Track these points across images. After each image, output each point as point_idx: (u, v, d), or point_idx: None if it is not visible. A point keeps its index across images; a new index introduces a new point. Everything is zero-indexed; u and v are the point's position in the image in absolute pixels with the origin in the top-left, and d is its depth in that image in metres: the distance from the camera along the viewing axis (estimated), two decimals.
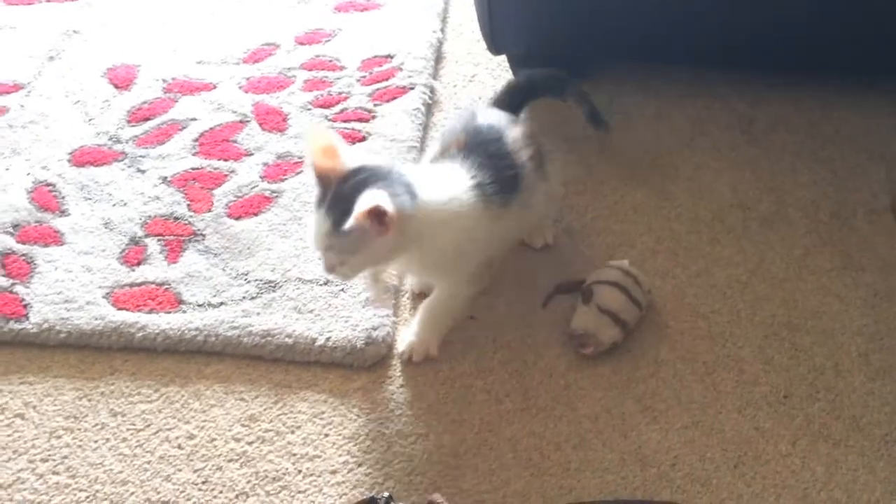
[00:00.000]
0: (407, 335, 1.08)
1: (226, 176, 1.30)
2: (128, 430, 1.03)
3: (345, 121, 1.37)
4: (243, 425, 1.03)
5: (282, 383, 1.07)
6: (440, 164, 1.03)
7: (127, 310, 1.13)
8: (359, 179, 0.94)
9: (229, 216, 1.25)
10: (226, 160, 1.32)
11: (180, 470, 0.99)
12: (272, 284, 1.15)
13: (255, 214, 1.25)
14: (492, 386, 1.06)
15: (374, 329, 1.10)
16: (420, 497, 0.95)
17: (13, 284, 1.16)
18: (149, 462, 1.00)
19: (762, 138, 1.35)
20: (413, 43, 1.49)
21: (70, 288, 1.16)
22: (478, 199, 1.00)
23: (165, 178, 1.30)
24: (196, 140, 1.35)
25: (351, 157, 0.96)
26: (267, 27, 1.55)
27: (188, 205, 1.26)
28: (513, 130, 1.06)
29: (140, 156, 1.34)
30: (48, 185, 1.30)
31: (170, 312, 1.13)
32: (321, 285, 1.15)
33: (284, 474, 0.99)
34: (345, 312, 1.12)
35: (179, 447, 1.01)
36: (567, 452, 1.00)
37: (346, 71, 1.46)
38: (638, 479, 0.97)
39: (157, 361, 1.09)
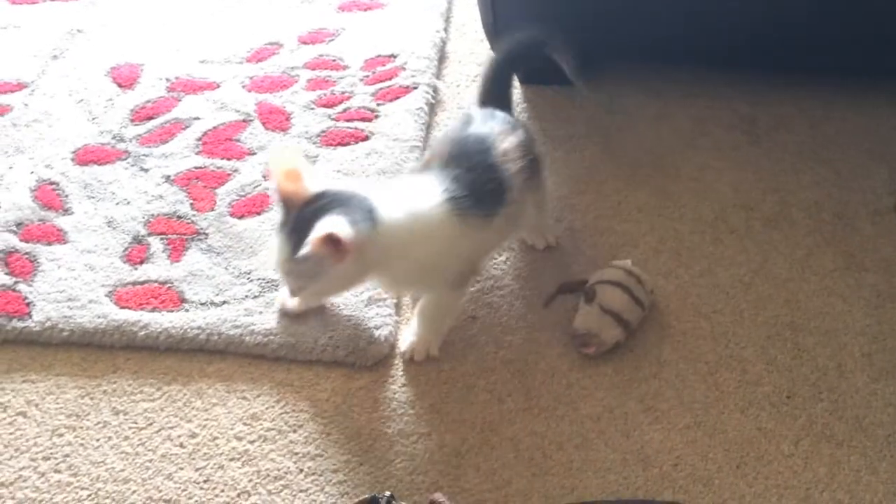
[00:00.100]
0: (408, 335, 1.08)
1: (229, 175, 1.30)
2: (130, 428, 1.03)
3: (348, 120, 1.37)
4: (245, 424, 1.03)
5: (284, 382, 1.07)
6: (416, 178, 1.02)
7: (129, 308, 1.13)
8: (319, 205, 0.93)
9: (232, 215, 1.25)
10: (229, 159, 1.33)
11: (182, 468, 0.99)
12: (274, 283, 1.15)
13: (258, 213, 1.25)
14: (494, 385, 1.06)
15: (377, 328, 1.10)
16: (422, 496, 0.95)
17: (16, 283, 1.17)
18: (151, 460, 1.00)
19: (764, 139, 1.35)
20: (416, 42, 1.49)
21: (73, 286, 1.16)
22: (449, 216, 0.98)
23: (168, 176, 1.30)
24: (199, 139, 1.36)
25: (315, 181, 0.96)
26: (270, 26, 1.55)
27: (191, 203, 1.26)
28: (504, 142, 1.04)
29: (143, 155, 1.34)
30: (51, 183, 1.30)
31: (172, 311, 1.13)
32: None
33: (286, 473, 0.99)
34: (347, 311, 1.12)
35: (181, 446, 1.01)
36: (569, 452, 1.00)
37: (349, 70, 1.46)
38: (640, 479, 0.97)
39: (159, 360, 1.09)
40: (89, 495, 0.98)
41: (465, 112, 1.12)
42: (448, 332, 1.10)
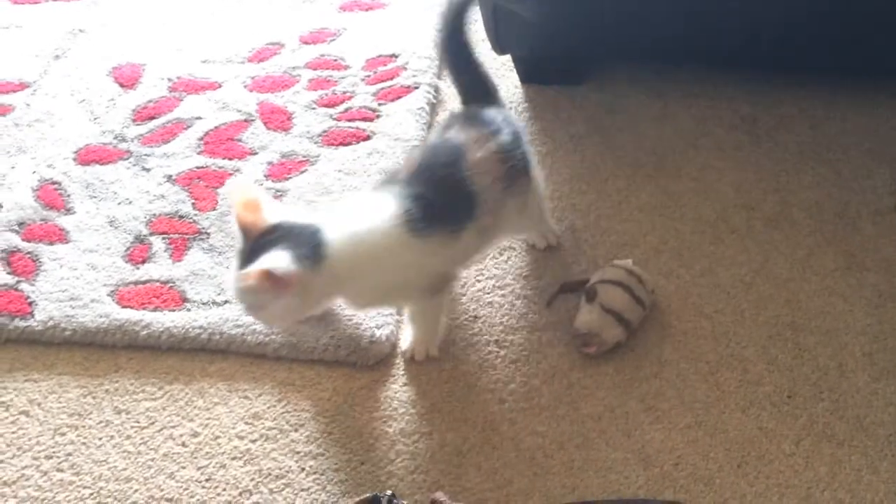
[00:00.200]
0: (409, 334, 1.09)
1: (230, 174, 1.30)
2: (132, 427, 1.03)
3: (349, 120, 1.38)
4: (247, 423, 1.03)
5: (285, 381, 1.07)
6: (372, 200, 0.99)
7: (131, 308, 1.13)
8: (269, 239, 0.95)
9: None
10: (230, 159, 1.33)
11: (184, 467, 1.00)
12: None
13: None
14: (495, 385, 1.06)
15: (378, 328, 1.10)
16: (423, 495, 0.95)
17: (18, 282, 1.17)
18: (153, 459, 1.00)
19: (766, 139, 1.35)
20: (418, 42, 1.49)
21: (75, 286, 1.16)
22: (404, 237, 0.96)
23: (170, 176, 1.31)
24: (201, 139, 1.36)
25: (273, 213, 0.97)
26: (271, 26, 1.56)
27: (193, 203, 1.27)
28: (478, 151, 1.00)
29: (145, 154, 1.34)
30: (54, 183, 1.30)
31: (174, 310, 1.13)
32: None
33: (288, 472, 0.99)
34: (348, 311, 1.12)
35: (183, 445, 1.02)
36: (570, 451, 1.00)
37: (350, 70, 1.46)
38: (641, 479, 0.97)
39: (161, 359, 1.09)
40: (91, 494, 0.98)
41: (450, 114, 1.11)
42: (449, 332, 1.11)
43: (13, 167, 1.33)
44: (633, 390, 1.05)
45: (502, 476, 0.98)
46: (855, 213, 1.24)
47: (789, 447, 1.00)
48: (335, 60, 1.48)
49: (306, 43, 1.52)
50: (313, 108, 1.40)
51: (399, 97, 1.40)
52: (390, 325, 1.11)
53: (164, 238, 1.22)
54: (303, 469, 0.99)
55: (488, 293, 1.16)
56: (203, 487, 0.98)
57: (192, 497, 0.97)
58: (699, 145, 1.34)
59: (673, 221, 1.23)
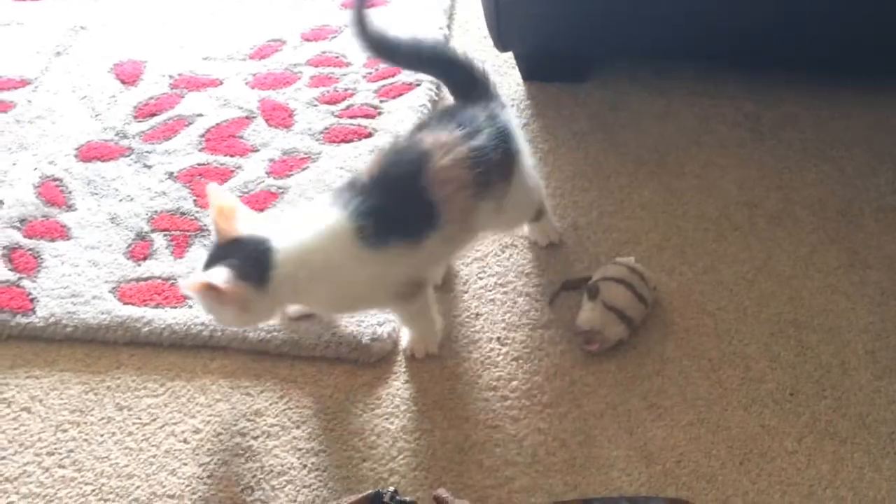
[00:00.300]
0: (407, 333, 1.08)
1: (232, 172, 1.30)
2: (134, 424, 1.03)
3: (351, 117, 1.37)
4: (249, 420, 1.03)
5: (287, 378, 1.07)
6: (327, 209, 0.97)
7: (133, 304, 1.13)
8: (226, 250, 0.96)
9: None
10: (232, 156, 1.33)
11: (186, 464, 1.00)
12: None
13: (261, 210, 1.25)
14: (497, 382, 1.06)
15: (380, 325, 1.10)
16: (425, 492, 0.95)
17: (20, 279, 1.17)
18: (154, 456, 1.00)
19: (769, 136, 1.34)
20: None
21: (76, 282, 1.16)
22: (357, 248, 0.95)
23: (172, 173, 1.30)
24: (202, 136, 1.36)
25: (245, 224, 0.98)
26: (273, 23, 1.55)
27: (194, 200, 1.26)
28: (444, 157, 0.96)
29: (146, 151, 1.34)
30: (55, 179, 1.30)
31: (176, 307, 1.13)
32: None
33: (290, 469, 0.99)
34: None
35: (185, 441, 1.02)
36: (572, 449, 1.00)
37: (352, 67, 1.46)
38: (643, 476, 0.97)
39: (162, 356, 1.09)
40: (93, 490, 0.98)
41: (429, 112, 1.09)
42: (450, 329, 1.10)
43: (14, 164, 1.33)
44: (636, 388, 1.05)
45: (504, 474, 0.98)
46: (858, 211, 1.24)
47: (791, 444, 1.00)
48: (337, 57, 1.48)
49: (308, 40, 1.52)
50: (315, 105, 1.39)
51: (401, 94, 1.40)
52: (392, 322, 1.11)
53: (165, 235, 1.22)
54: (305, 466, 0.99)
55: (490, 290, 1.15)
56: (205, 484, 0.98)
57: (193, 494, 0.97)
58: (702, 143, 1.33)
59: (675, 219, 1.23)
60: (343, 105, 1.39)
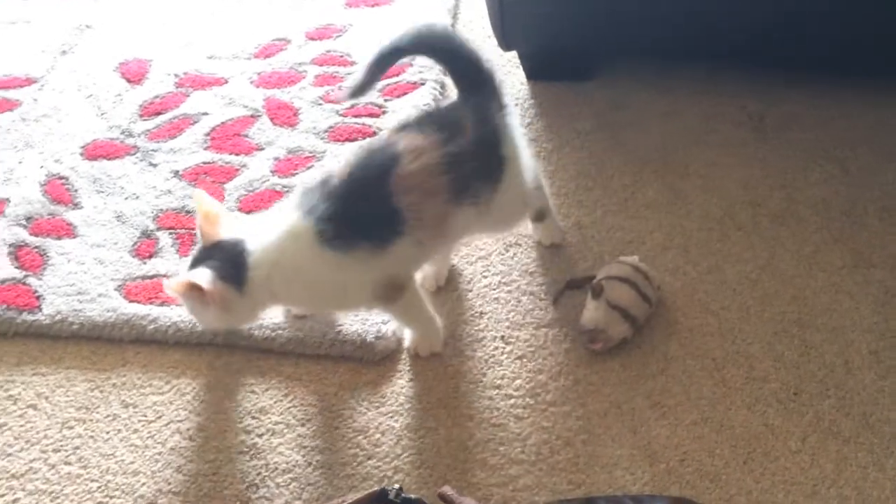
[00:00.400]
0: (409, 332, 1.08)
1: (237, 170, 1.31)
2: (139, 421, 1.04)
3: (355, 116, 1.38)
4: (254, 417, 1.04)
5: (292, 376, 1.07)
6: (294, 212, 0.97)
7: (139, 302, 1.14)
8: (208, 253, 0.98)
9: (240, 210, 1.25)
10: (237, 154, 1.33)
11: (191, 461, 1.00)
12: None
13: (266, 209, 1.25)
14: (501, 381, 1.06)
15: (384, 323, 1.10)
16: (429, 490, 0.96)
17: (26, 276, 1.17)
18: (160, 453, 1.01)
19: (773, 136, 1.34)
20: None
21: (82, 280, 1.17)
22: (322, 251, 0.95)
23: (177, 171, 1.31)
24: (207, 134, 1.36)
25: (228, 228, 0.99)
26: (278, 22, 1.56)
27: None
28: (413, 162, 0.94)
29: (152, 150, 1.34)
30: (61, 178, 1.31)
31: (181, 305, 1.13)
32: None
33: (294, 466, 0.99)
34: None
35: (190, 439, 1.02)
36: (576, 448, 1.00)
37: (356, 66, 1.46)
38: (647, 475, 0.97)
39: (168, 353, 1.10)
40: (99, 487, 0.98)
41: (416, 112, 1.06)
42: (455, 328, 1.11)
43: (21, 162, 1.33)
44: (639, 387, 1.05)
45: (508, 472, 0.98)
46: (862, 210, 1.24)
47: (795, 444, 1.00)
48: (341, 56, 1.48)
49: (312, 39, 1.52)
50: (320, 104, 1.40)
51: (405, 93, 1.40)
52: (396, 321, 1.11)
53: (170, 233, 1.23)
54: (309, 463, 1.00)
55: (494, 289, 1.16)
56: (210, 481, 0.98)
57: (199, 491, 0.98)
58: (706, 142, 1.34)
59: (679, 218, 1.23)
60: (347, 104, 1.40)
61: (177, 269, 1.18)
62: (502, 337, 1.11)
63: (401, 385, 1.06)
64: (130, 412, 1.05)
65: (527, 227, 1.20)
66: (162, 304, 1.13)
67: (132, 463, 1.00)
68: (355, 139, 1.34)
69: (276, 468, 0.99)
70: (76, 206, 1.27)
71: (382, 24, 1.53)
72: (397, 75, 1.43)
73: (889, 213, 1.23)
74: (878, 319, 1.11)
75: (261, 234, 0.99)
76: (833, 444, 0.99)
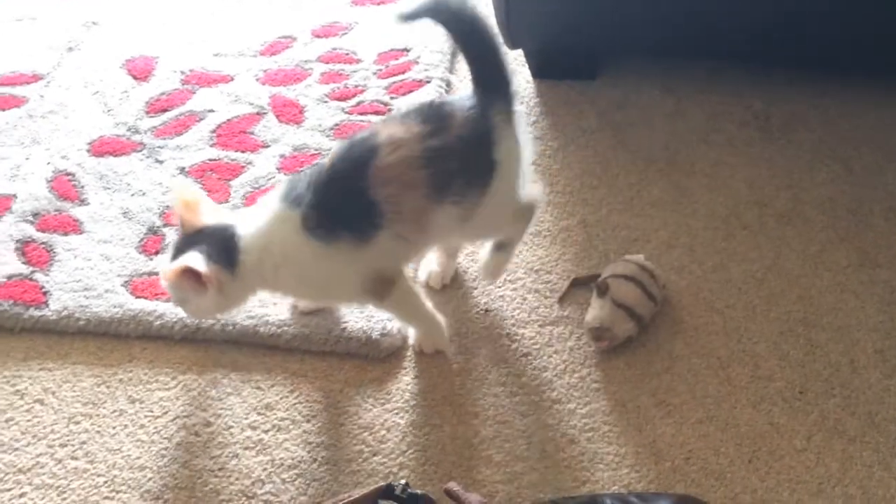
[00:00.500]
0: (414, 329, 1.08)
1: (243, 167, 1.31)
2: (145, 416, 1.04)
3: (361, 113, 1.38)
4: (259, 413, 1.04)
5: (298, 373, 1.08)
6: (275, 204, 0.97)
7: (145, 298, 1.14)
8: (193, 239, 0.97)
9: (246, 207, 1.25)
10: (243, 151, 1.33)
11: (197, 457, 1.00)
12: None
13: None
14: (506, 378, 1.07)
15: (389, 320, 1.10)
16: (434, 487, 0.96)
17: (33, 272, 1.18)
18: (166, 448, 1.01)
19: (779, 135, 1.34)
20: (429, 36, 1.49)
21: (89, 276, 1.17)
22: (307, 239, 0.95)
23: (183, 168, 1.31)
24: (213, 131, 1.36)
25: (210, 215, 0.99)
26: (284, 20, 1.56)
27: (205, 195, 1.27)
28: (391, 155, 0.93)
29: (158, 146, 1.35)
30: (67, 174, 1.31)
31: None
32: None
33: (300, 462, 1.00)
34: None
35: (196, 434, 1.02)
36: (581, 445, 1.00)
37: (362, 64, 1.46)
38: (652, 473, 0.98)
39: (174, 349, 1.10)
40: (105, 482, 0.99)
41: (414, 105, 1.02)
42: (460, 325, 1.11)
43: (27, 158, 1.34)
44: (645, 385, 1.05)
45: (513, 469, 0.98)
46: (868, 210, 1.24)
47: (801, 443, 1.00)
48: (347, 54, 1.48)
49: (318, 36, 1.52)
50: (325, 102, 1.40)
51: (411, 91, 1.40)
52: None
53: (177, 230, 1.23)
54: (315, 459, 1.00)
55: (500, 287, 1.16)
56: (216, 476, 0.99)
57: (205, 486, 0.98)
58: (711, 141, 1.34)
59: (685, 217, 1.23)
60: (353, 101, 1.40)
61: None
62: (507, 334, 1.11)
63: (406, 382, 1.07)
64: (137, 407, 1.05)
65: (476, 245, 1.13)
66: (168, 300, 1.13)
67: (138, 458, 1.00)
68: None
69: (282, 464, 1.00)
70: (83, 202, 1.27)
71: (388, 22, 1.53)
72: (403, 73, 1.44)
73: (894, 213, 1.23)
74: (883, 318, 1.11)
75: (250, 219, 0.99)
76: (838, 443, 0.99)
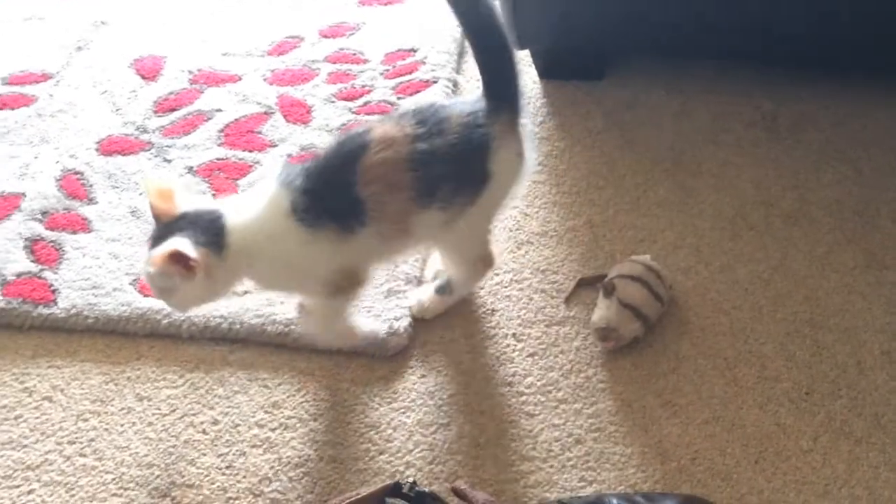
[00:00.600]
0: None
1: (250, 167, 1.32)
2: (153, 414, 1.05)
3: (368, 114, 1.38)
4: (266, 412, 1.04)
5: (305, 371, 1.08)
6: (273, 185, 0.96)
7: (153, 297, 1.14)
8: (173, 226, 0.95)
9: None
10: (250, 151, 1.34)
11: (205, 454, 1.01)
12: None
13: None
14: (512, 378, 1.07)
15: (396, 319, 1.11)
16: (441, 486, 0.96)
17: (42, 270, 1.18)
18: (174, 446, 1.02)
19: (786, 135, 1.34)
20: (436, 37, 1.49)
21: (97, 274, 1.18)
22: (295, 224, 0.94)
23: (191, 167, 1.32)
24: (221, 131, 1.37)
25: (185, 202, 0.97)
26: (291, 20, 1.56)
27: (213, 194, 1.28)
28: (379, 154, 0.92)
29: (166, 146, 1.35)
30: (76, 173, 1.32)
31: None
32: None
33: (307, 460, 1.00)
34: (367, 303, 1.13)
35: (204, 432, 1.03)
36: (587, 445, 1.00)
37: (369, 64, 1.46)
38: (658, 473, 0.98)
39: (182, 348, 1.10)
40: (114, 479, 0.99)
41: (413, 105, 1.02)
42: (467, 326, 1.11)
43: (36, 157, 1.34)
44: (651, 385, 1.05)
45: (519, 468, 0.99)
46: (875, 211, 1.23)
47: (807, 444, 1.00)
48: (354, 54, 1.49)
49: (326, 37, 1.52)
50: (332, 102, 1.40)
51: (418, 91, 1.41)
52: (408, 317, 1.11)
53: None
54: (322, 458, 1.00)
55: (506, 287, 1.16)
56: (223, 474, 0.99)
57: (212, 484, 0.98)
58: (718, 141, 1.34)
59: (691, 217, 1.23)
60: (360, 101, 1.40)
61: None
62: (514, 334, 1.11)
63: (413, 381, 1.07)
64: (145, 405, 1.05)
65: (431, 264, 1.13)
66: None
67: (146, 455, 1.01)
68: None
69: (289, 462, 1.00)
70: (91, 201, 1.28)
71: (395, 23, 1.54)
72: (410, 73, 1.44)
73: None
74: (890, 320, 1.11)
75: (240, 203, 0.98)
76: (845, 444, 0.99)
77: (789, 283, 1.15)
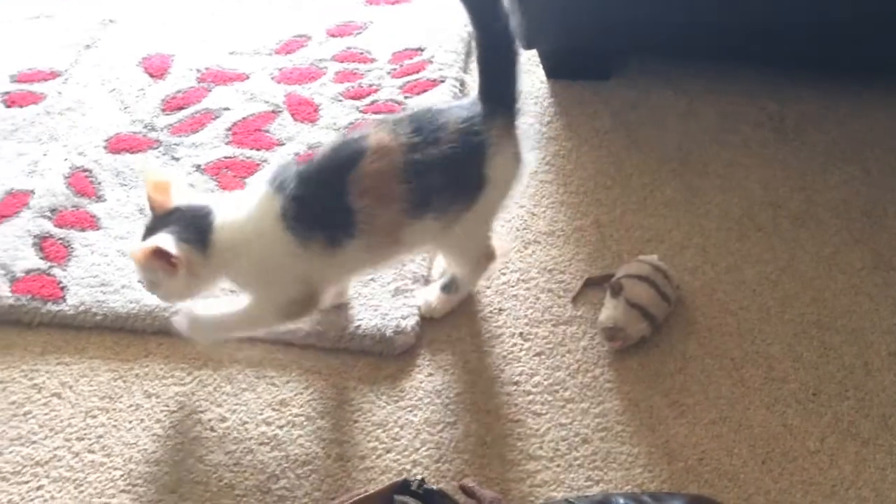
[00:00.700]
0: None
1: (258, 165, 1.32)
2: (161, 411, 1.05)
3: (375, 112, 1.38)
4: (274, 409, 1.05)
5: (312, 369, 1.08)
6: (265, 188, 0.96)
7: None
8: (165, 219, 0.96)
9: None
10: (258, 149, 1.34)
11: (212, 451, 1.01)
12: None
13: None
14: (519, 377, 1.07)
15: (403, 318, 1.11)
16: (448, 484, 0.96)
17: (51, 267, 1.19)
18: (182, 443, 1.02)
19: (793, 136, 1.34)
20: (444, 36, 1.49)
21: (106, 271, 1.18)
22: (282, 230, 0.94)
23: (199, 166, 1.32)
24: (229, 129, 1.37)
25: (180, 196, 0.98)
26: (299, 19, 1.57)
27: (221, 192, 1.28)
28: (373, 163, 0.91)
29: (174, 144, 1.36)
30: (85, 170, 1.32)
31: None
32: None
33: (314, 458, 1.00)
34: (374, 301, 1.13)
35: (212, 429, 1.03)
36: (594, 445, 1.00)
37: (376, 63, 1.47)
38: (665, 473, 0.98)
39: (190, 345, 1.11)
40: (122, 476, 1.00)
41: (410, 111, 1.01)
42: (474, 325, 1.11)
43: (45, 154, 1.35)
44: (658, 385, 1.05)
45: (526, 467, 0.99)
46: (882, 212, 1.23)
47: (814, 444, 1.00)
48: (362, 53, 1.49)
49: (333, 36, 1.53)
50: (340, 101, 1.41)
51: (425, 90, 1.41)
52: (415, 315, 1.12)
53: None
54: (329, 455, 1.01)
55: (513, 286, 1.16)
56: (231, 471, 0.99)
57: (220, 481, 0.99)
58: (725, 142, 1.33)
59: (698, 218, 1.23)
60: (367, 101, 1.40)
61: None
62: (521, 334, 1.11)
63: (420, 380, 1.07)
64: (153, 402, 1.06)
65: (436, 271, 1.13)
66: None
67: (154, 452, 1.01)
68: None
69: (296, 460, 1.00)
70: (99, 198, 1.28)
71: (402, 22, 1.54)
72: (417, 72, 1.44)
73: None
74: None
75: (232, 201, 0.99)
76: (852, 446, 0.99)
77: (797, 284, 1.15)
